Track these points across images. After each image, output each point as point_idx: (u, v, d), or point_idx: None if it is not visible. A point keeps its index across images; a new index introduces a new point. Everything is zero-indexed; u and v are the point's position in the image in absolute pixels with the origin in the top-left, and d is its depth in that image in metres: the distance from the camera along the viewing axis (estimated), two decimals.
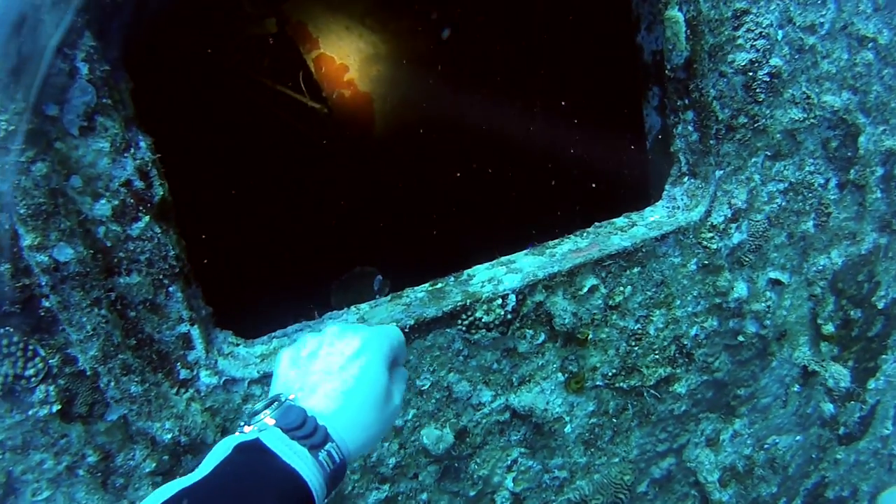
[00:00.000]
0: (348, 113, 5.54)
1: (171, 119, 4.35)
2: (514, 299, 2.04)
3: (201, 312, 1.96)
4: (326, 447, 1.18)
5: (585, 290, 2.12)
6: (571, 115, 4.61)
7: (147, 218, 1.74)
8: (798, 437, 2.70)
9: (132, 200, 1.73)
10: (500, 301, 2.03)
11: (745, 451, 2.61)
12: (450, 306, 2.00)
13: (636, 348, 2.26)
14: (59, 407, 1.85)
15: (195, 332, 1.88)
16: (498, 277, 2.09)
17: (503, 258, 2.21)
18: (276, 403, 1.24)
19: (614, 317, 2.20)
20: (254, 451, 1.14)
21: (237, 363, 1.96)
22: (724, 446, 2.57)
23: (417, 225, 4.46)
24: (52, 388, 1.85)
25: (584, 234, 2.25)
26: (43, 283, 1.69)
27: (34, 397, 1.83)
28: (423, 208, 4.71)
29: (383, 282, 2.45)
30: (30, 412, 1.84)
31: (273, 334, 2.07)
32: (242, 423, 1.23)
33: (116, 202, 1.72)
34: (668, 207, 2.32)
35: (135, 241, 1.76)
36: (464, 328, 2.03)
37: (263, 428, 1.18)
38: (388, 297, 2.13)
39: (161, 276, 1.80)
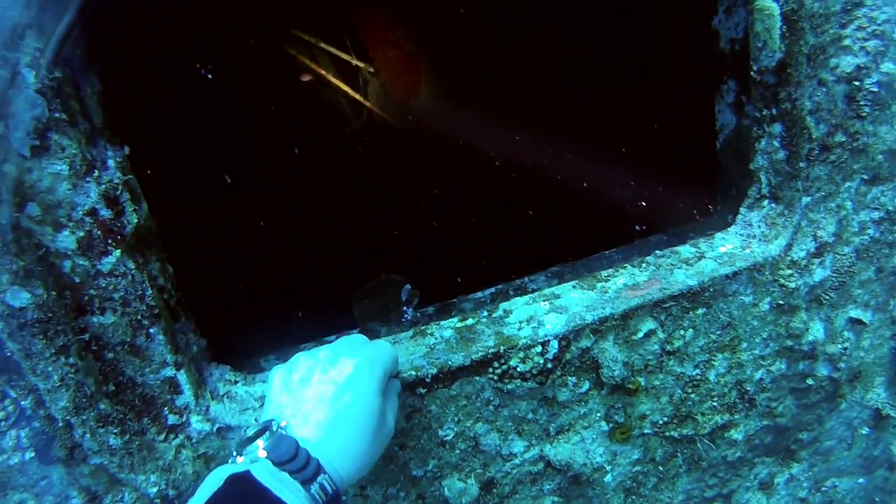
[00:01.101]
0: (393, 74, 4.93)
1: (194, 78, 3.86)
2: (557, 346, 1.61)
3: (192, 349, 1.57)
4: (318, 480, 1.13)
5: (641, 335, 1.69)
6: (633, 98, 3.83)
7: (118, 252, 1.34)
8: (861, 480, 2.26)
9: (99, 232, 1.32)
10: (539, 348, 1.60)
11: (801, 494, 2.19)
12: (480, 353, 1.59)
13: (692, 395, 1.83)
14: (34, 454, 1.51)
15: (182, 378, 1.50)
16: (539, 318, 1.66)
17: (546, 290, 1.77)
18: (267, 432, 1.18)
19: (671, 363, 1.76)
20: (245, 484, 1.09)
21: (233, 407, 1.59)
22: (778, 489, 2.14)
23: (453, 222, 3.86)
24: (24, 432, 1.51)
25: (643, 266, 1.78)
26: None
27: (5, 443, 1.49)
28: (462, 204, 4.03)
29: (412, 292, 2.02)
30: (1, 458, 1.50)
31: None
32: (235, 453, 1.19)
33: (81, 234, 1.32)
34: (742, 236, 1.84)
35: (106, 278, 1.37)
36: (495, 377, 1.60)
37: (255, 459, 1.14)
38: (410, 332, 1.71)
39: (139, 317, 1.41)
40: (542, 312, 1.67)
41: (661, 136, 3.55)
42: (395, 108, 5.02)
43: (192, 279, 1.76)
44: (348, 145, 4.82)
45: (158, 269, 1.49)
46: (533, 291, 1.92)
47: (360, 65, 5.03)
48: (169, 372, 1.50)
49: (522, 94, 4.33)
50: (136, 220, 1.36)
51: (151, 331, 1.44)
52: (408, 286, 2.09)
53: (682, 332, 1.74)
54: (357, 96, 5.04)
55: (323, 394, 1.22)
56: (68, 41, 1.22)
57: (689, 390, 1.83)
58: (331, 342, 1.94)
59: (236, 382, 1.63)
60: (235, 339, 1.91)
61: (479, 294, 1.98)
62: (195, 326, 1.60)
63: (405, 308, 2.04)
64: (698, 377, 1.82)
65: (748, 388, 1.90)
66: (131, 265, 1.37)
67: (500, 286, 2.00)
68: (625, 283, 1.73)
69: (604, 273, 1.78)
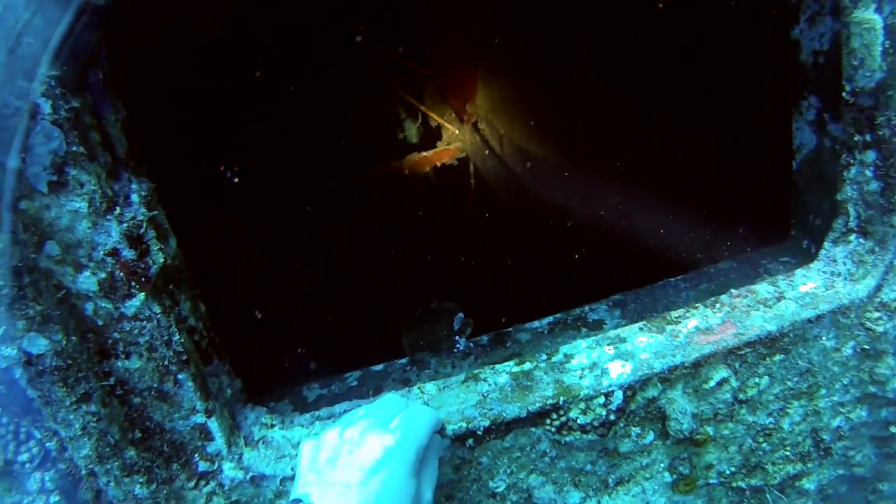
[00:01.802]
0: (449, 78, 4.57)
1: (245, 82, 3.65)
2: (622, 397, 1.40)
3: (225, 393, 1.40)
4: None
5: (712, 384, 1.47)
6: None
7: (142, 295, 1.16)
8: None
9: (122, 274, 1.14)
10: (602, 399, 1.40)
11: None
12: (538, 404, 1.40)
13: (763, 444, 1.62)
14: (58, 499, 1.36)
15: (213, 424, 1.32)
16: (602, 365, 1.46)
17: (611, 332, 1.55)
18: None
19: (743, 411, 1.55)
20: None
21: (268, 454, 1.41)
22: None
23: (508, 243, 3.52)
24: (49, 475, 1.35)
25: (717, 306, 1.55)
26: (17, 376, 1.15)
27: (30, 486, 1.34)
28: (517, 225, 3.66)
29: (465, 321, 1.83)
30: (25, 501, 1.35)
31: (318, 413, 1.51)
32: None
33: (103, 275, 1.16)
34: (825, 273, 1.60)
35: (130, 322, 1.19)
36: (553, 430, 1.40)
37: None
38: (462, 377, 1.52)
39: (166, 363, 1.23)
40: (607, 359, 1.47)
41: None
42: (450, 112, 4.73)
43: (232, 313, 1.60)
44: (403, 150, 4.56)
45: (189, 309, 1.32)
46: (594, 323, 1.72)
47: (415, 67, 4.76)
48: (199, 419, 1.33)
49: (582, 99, 3.99)
50: (161, 260, 1.19)
51: (180, 377, 1.27)
52: (461, 315, 1.90)
53: (756, 379, 1.52)
54: (411, 100, 4.78)
55: (348, 479, 1.09)
56: (89, 63, 1.04)
57: (761, 439, 1.62)
58: (377, 370, 1.77)
59: (273, 426, 1.46)
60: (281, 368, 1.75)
61: (536, 324, 1.78)
62: (229, 367, 1.43)
63: (457, 338, 1.85)
64: (771, 426, 1.60)
65: (824, 437, 1.68)
66: (157, 309, 1.20)
67: (558, 315, 1.80)
68: (697, 325, 1.52)
69: (673, 314, 1.56)
